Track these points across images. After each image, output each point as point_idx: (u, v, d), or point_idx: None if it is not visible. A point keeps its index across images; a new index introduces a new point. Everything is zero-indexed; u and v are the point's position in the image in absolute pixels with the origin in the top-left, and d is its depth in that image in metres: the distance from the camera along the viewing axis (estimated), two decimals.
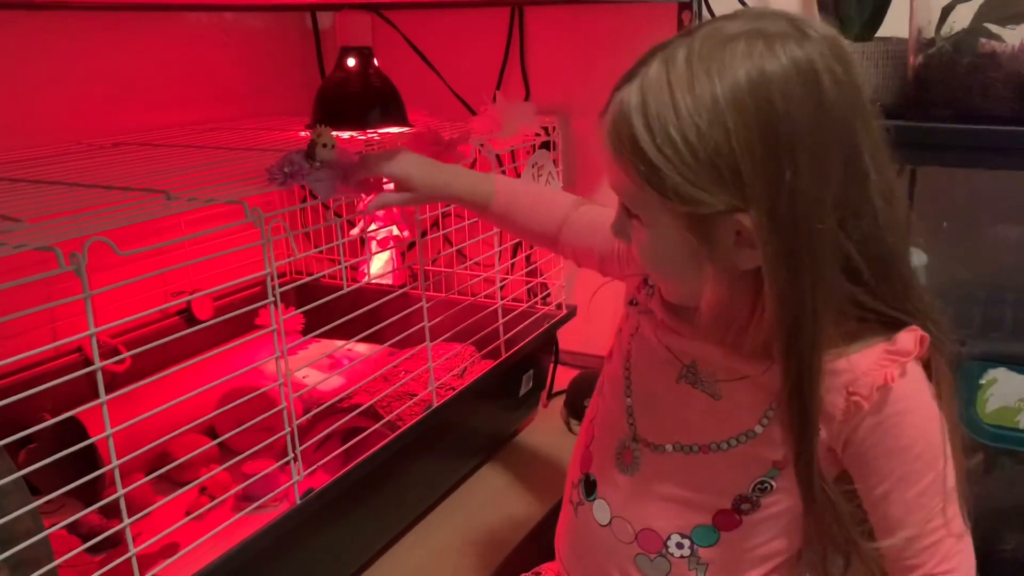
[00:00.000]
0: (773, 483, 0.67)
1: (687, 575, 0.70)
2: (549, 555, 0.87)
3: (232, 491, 0.93)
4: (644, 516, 0.71)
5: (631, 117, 0.57)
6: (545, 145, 1.23)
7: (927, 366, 0.64)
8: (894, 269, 0.62)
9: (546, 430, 1.31)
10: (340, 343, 1.32)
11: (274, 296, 0.77)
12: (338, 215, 1.48)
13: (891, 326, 0.63)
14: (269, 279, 0.77)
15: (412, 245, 1.46)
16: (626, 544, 0.72)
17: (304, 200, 1.40)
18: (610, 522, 0.73)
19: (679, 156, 0.55)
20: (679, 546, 0.70)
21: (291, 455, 0.82)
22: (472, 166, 1.39)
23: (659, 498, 0.70)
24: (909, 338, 0.62)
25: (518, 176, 1.16)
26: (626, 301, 0.78)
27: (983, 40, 0.90)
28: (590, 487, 0.75)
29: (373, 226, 1.40)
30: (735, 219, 0.57)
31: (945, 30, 0.92)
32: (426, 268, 1.05)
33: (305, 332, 1.36)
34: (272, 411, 0.80)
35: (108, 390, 0.64)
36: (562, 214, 0.84)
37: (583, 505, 0.76)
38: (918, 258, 1.00)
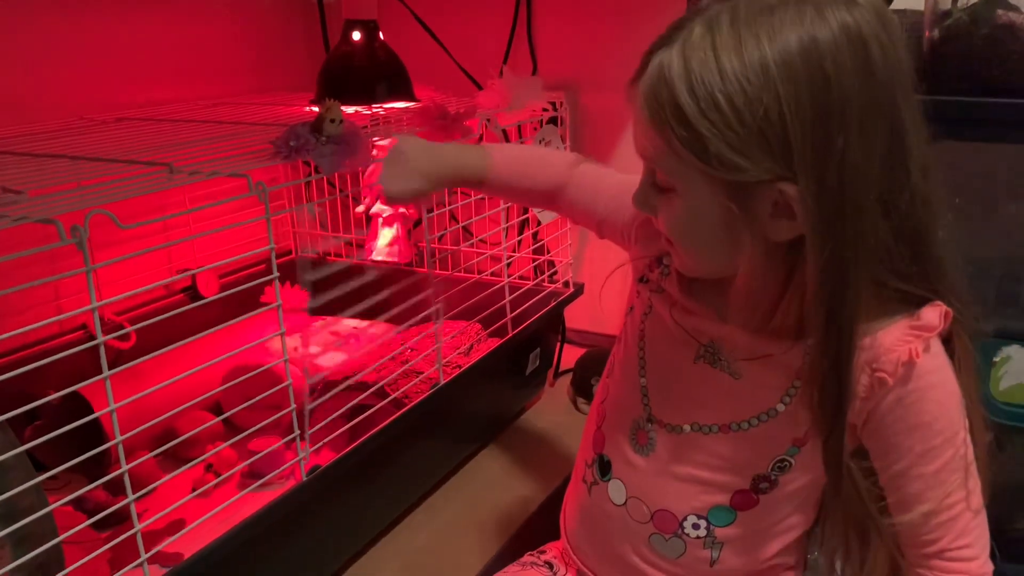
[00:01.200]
0: (792, 460, 0.67)
1: (702, 554, 0.70)
2: (555, 534, 0.86)
3: (238, 468, 0.92)
4: (660, 497, 0.71)
5: (673, 82, 0.55)
6: (553, 120, 1.21)
7: (947, 341, 0.63)
8: (926, 248, 0.61)
9: (552, 409, 1.31)
10: (346, 321, 1.32)
11: (273, 270, 0.76)
12: (344, 191, 1.47)
13: (913, 301, 0.62)
14: (272, 253, 0.76)
15: (418, 222, 1.45)
16: (641, 524, 0.72)
17: (309, 175, 1.40)
18: (625, 502, 0.73)
19: (724, 121, 0.54)
20: (695, 527, 0.70)
21: (296, 432, 0.82)
22: (479, 141, 1.38)
23: (676, 479, 0.70)
24: (933, 313, 0.61)
25: None
26: (635, 279, 0.76)
27: (1000, 11, 0.88)
28: (604, 467, 0.75)
29: (379, 203, 1.40)
30: (777, 189, 0.55)
31: (962, 1, 0.90)
32: (432, 246, 1.04)
33: (311, 310, 1.36)
34: (276, 388, 0.80)
35: (113, 368, 0.64)
36: (560, 176, 0.81)
37: (597, 485, 0.75)
38: None
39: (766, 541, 0.70)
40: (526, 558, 0.85)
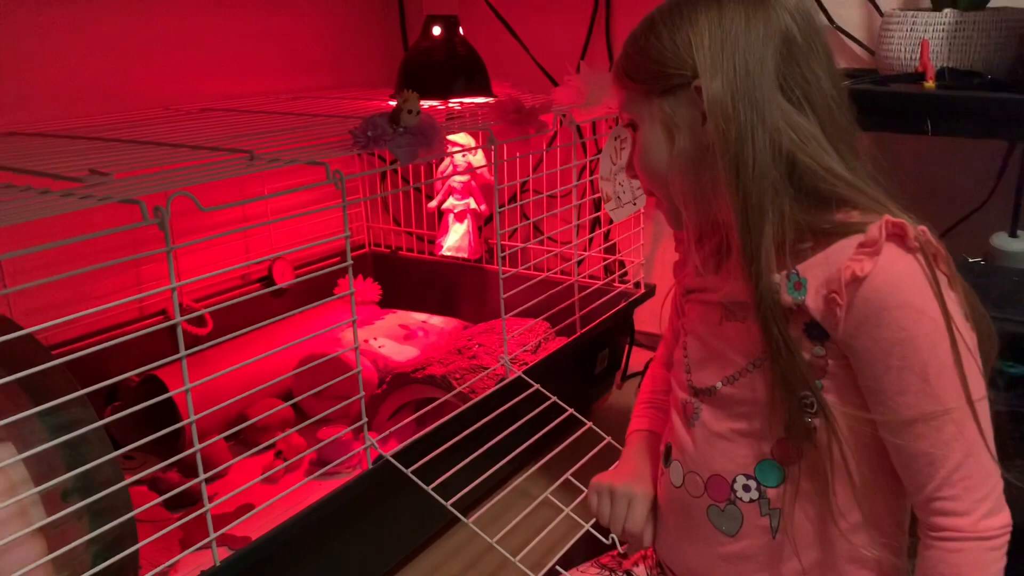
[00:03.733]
0: (813, 400, 0.65)
1: (760, 523, 0.69)
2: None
3: (305, 453, 0.94)
4: (708, 462, 0.71)
5: (627, 42, 0.69)
6: None
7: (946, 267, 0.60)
8: (837, 132, 0.63)
9: (619, 410, 1.29)
10: (416, 314, 1.32)
11: (347, 258, 0.77)
12: (417, 189, 1.48)
13: (865, 219, 0.61)
14: (347, 242, 0.76)
15: (489, 219, 1.45)
16: (696, 499, 0.72)
17: (385, 167, 1.41)
18: (683, 482, 0.73)
19: (649, 45, 0.66)
20: (746, 489, 0.69)
21: (363, 420, 0.82)
22: (553, 137, 1.37)
23: (719, 439, 0.70)
24: (875, 227, 0.60)
25: (598, 150, 1.13)
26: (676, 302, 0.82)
27: None
28: (667, 454, 0.76)
29: (451, 199, 1.40)
30: (694, 90, 0.63)
31: None
32: (502, 243, 1.03)
33: (382, 303, 1.37)
34: (344, 376, 0.80)
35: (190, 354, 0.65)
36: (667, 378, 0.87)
37: (664, 474, 0.77)
38: (1019, 243, 0.95)
39: (822, 515, 0.67)
40: (607, 560, 0.84)
